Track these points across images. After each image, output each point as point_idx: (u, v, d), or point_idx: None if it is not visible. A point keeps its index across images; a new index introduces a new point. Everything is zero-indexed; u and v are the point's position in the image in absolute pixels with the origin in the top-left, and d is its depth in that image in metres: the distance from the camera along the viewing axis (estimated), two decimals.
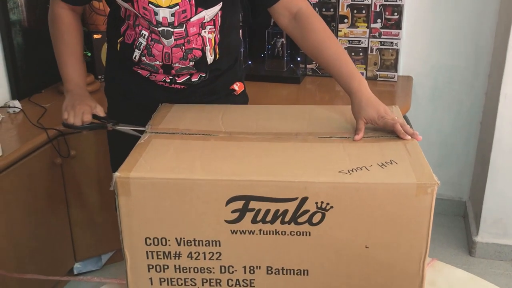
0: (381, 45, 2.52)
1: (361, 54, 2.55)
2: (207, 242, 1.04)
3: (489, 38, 2.48)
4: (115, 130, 1.35)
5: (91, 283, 1.47)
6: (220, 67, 1.47)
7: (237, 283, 1.08)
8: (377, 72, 2.56)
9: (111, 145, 1.62)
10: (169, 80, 1.43)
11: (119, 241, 1.06)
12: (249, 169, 1.05)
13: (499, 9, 2.41)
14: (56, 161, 2.02)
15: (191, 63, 1.39)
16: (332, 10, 2.53)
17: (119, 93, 1.53)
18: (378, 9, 2.47)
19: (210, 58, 1.41)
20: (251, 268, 1.06)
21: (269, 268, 1.06)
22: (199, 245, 1.04)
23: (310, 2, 1.42)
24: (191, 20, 1.32)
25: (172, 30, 1.32)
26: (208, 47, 1.39)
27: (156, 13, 1.29)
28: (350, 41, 2.54)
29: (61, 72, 1.46)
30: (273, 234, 1.02)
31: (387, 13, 2.46)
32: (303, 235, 1.02)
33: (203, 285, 1.08)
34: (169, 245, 1.05)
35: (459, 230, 2.70)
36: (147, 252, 1.06)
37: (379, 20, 2.48)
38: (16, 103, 2.21)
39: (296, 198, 0.99)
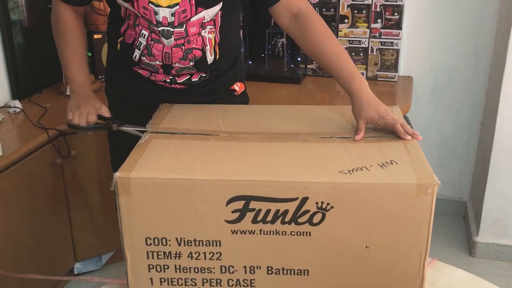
0: (381, 45, 2.52)
1: (361, 54, 2.55)
2: (208, 242, 1.04)
3: (489, 38, 2.48)
4: (116, 130, 1.35)
5: (92, 283, 1.47)
6: (220, 67, 1.47)
7: (238, 283, 1.08)
8: (378, 72, 2.56)
9: (111, 145, 1.62)
10: (169, 80, 1.43)
11: (120, 241, 1.06)
12: (250, 169, 1.05)
13: (500, 9, 2.41)
14: (57, 161, 2.02)
15: (191, 63, 1.39)
16: (332, 10, 2.53)
17: (119, 93, 1.53)
18: (378, 9, 2.47)
19: (210, 58, 1.41)
20: (252, 268, 1.06)
21: (270, 268, 1.06)
22: (199, 245, 1.04)
23: (310, 2, 1.42)
24: (191, 20, 1.32)
25: (172, 30, 1.32)
26: (208, 47, 1.39)
27: (156, 13, 1.29)
28: (351, 41, 2.54)
29: (66, 73, 1.46)
30: (273, 234, 1.02)
31: (387, 13, 2.46)
32: (303, 235, 1.02)
33: (203, 285, 1.08)
34: (170, 245, 1.05)
35: (459, 230, 2.70)
36: (147, 252, 1.06)
37: (379, 20, 2.48)
38: (17, 103, 2.21)
39: (296, 198, 0.99)
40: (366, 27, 2.51)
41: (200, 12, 1.32)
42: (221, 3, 1.34)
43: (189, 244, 1.04)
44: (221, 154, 1.11)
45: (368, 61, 2.55)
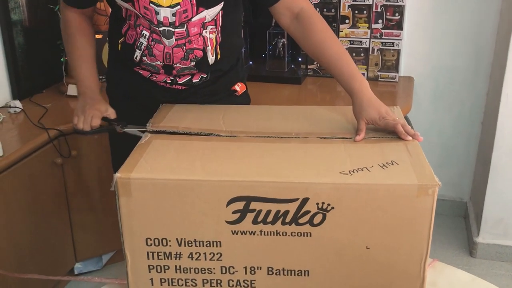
0: (382, 46, 2.52)
1: (362, 54, 2.54)
2: (208, 242, 1.04)
3: (490, 38, 2.48)
4: (121, 132, 1.35)
5: (92, 283, 1.47)
6: (222, 68, 1.47)
7: (238, 283, 1.07)
8: (378, 73, 2.56)
9: (112, 146, 1.62)
10: (170, 81, 1.43)
11: (120, 242, 1.06)
12: (250, 169, 1.04)
13: (500, 10, 2.41)
14: (57, 161, 2.02)
15: (192, 63, 1.39)
16: (333, 10, 2.52)
17: (120, 93, 1.53)
18: (379, 10, 2.47)
19: (211, 59, 1.41)
20: (252, 268, 1.06)
21: (270, 269, 1.06)
22: (199, 246, 1.04)
23: (311, 2, 1.42)
24: (192, 20, 1.32)
25: (173, 30, 1.32)
26: (209, 47, 1.39)
27: (157, 13, 1.29)
28: (351, 42, 2.54)
29: (74, 75, 1.46)
30: (274, 234, 1.02)
31: (388, 13, 2.46)
32: (304, 236, 1.02)
33: (203, 285, 1.08)
34: (170, 245, 1.05)
35: (460, 231, 2.70)
36: (147, 252, 1.06)
37: (380, 21, 2.48)
38: (17, 103, 2.21)
39: (297, 199, 0.99)
40: (367, 28, 2.50)
41: (201, 12, 1.32)
42: (222, 3, 1.34)
43: (190, 244, 1.04)
44: (222, 154, 1.11)
45: (369, 61, 2.55)
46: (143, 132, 1.23)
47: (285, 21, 1.39)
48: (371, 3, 2.46)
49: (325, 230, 1.01)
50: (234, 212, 1.01)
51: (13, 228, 1.88)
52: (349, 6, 2.50)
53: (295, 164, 1.06)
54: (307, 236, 1.02)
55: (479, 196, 2.52)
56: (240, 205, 1.00)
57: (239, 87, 1.54)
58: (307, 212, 1.00)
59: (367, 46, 2.53)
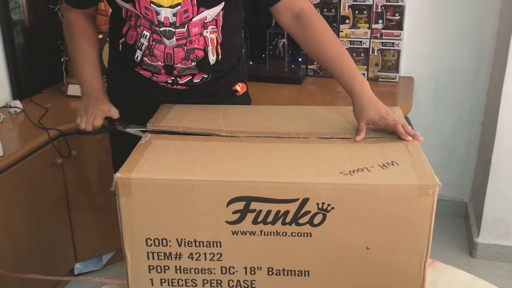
0: (382, 46, 2.51)
1: (362, 55, 2.54)
2: (208, 243, 1.04)
3: (491, 38, 2.48)
4: (121, 131, 1.35)
5: (92, 284, 1.47)
6: (223, 68, 1.47)
7: (238, 284, 1.07)
8: (379, 73, 2.56)
9: (113, 146, 1.62)
10: (171, 81, 1.43)
11: (120, 242, 1.06)
12: (250, 170, 1.04)
13: (501, 10, 2.41)
14: (57, 161, 2.02)
15: (193, 64, 1.39)
16: (333, 10, 2.52)
17: (120, 93, 1.53)
18: (379, 10, 2.47)
19: (212, 59, 1.40)
20: (252, 269, 1.06)
21: (270, 269, 1.06)
22: (200, 246, 1.04)
23: (311, 3, 1.42)
24: (193, 20, 1.32)
25: (174, 30, 1.32)
26: (210, 47, 1.39)
27: (158, 13, 1.29)
28: (352, 42, 2.54)
29: (77, 75, 1.46)
30: (274, 235, 1.02)
31: (388, 13, 2.46)
32: (304, 236, 1.01)
33: (203, 286, 1.08)
34: (170, 245, 1.05)
35: (460, 231, 2.70)
36: (147, 252, 1.05)
37: (380, 21, 2.48)
38: (17, 103, 2.21)
39: (297, 199, 0.99)
40: (367, 28, 2.50)
41: (202, 12, 1.32)
42: (223, 3, 1.34)
43: (190, 245, 1.04)
44: (222, 154, 1.11)
45: (369, 61, 2.55)
46: (144, 132, 1.23)
47: (285, 21, 1.39)
48: (371, 3, 2.46)
49: (325, 230, 1.01)
50: (234, 212, 1.01)
51: (13, 228, 1.88)
52: (349, 6, 2.50)
53: (295, 164, 1.06)
54: (307, 236, 1.02)
55: (480, 197, 2.52)
56: (240, 205, 1.00)
57: (240, 87, 1.54)
58: (307, 212, 1.00)
59: (367, 46, 2.53)
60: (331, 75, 1.34)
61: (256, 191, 0.99)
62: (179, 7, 1.29)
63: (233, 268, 1.06)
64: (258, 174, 1.02)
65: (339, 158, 1.08)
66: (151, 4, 1.28)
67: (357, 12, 2.50)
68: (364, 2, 2.47)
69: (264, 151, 1.12)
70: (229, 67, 1.49)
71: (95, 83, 1.42)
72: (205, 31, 1.36)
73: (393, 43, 2.50)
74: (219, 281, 1.07)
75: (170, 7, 1.29)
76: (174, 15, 1.30)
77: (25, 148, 1.89)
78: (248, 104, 1.59)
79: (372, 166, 1.03)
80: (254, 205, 1.00)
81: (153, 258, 1.06)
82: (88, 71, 1.43)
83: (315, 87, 2.54)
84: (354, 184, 0.98)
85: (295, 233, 1.01)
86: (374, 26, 2.49)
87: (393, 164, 1.04)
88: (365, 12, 2.49)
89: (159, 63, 1.38)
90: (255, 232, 1.02)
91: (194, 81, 1.44)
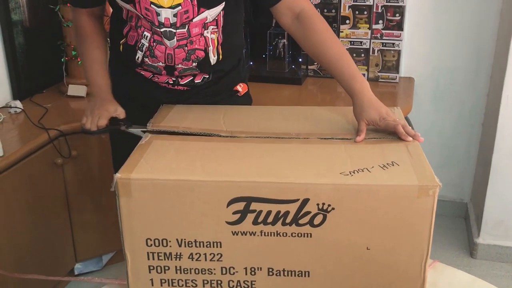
0: (382, 46, 2.51)
1: (362, 55, 2.54)
2: (208, 243, 1.04)
3: (491, 39, 2.48)
4: (123, 131, 1.35)
5: (92, 284, 1.47)
6: (224, 68, 1.47)
7: (238, 284, 1.07)
8: (379, 73, 2.56)
9: (113, 146, 1.61)
10: (172, 82, 1.43)
11: (120, 242, 1.06)
12: (251, 170, 1.04)
13: (501, 10, 2.41)
14: (57, 161, 2.02)
15: (194, 64, 1.39)
16: (333, 11, 2.52)
17: (121, 94, 1.52)
18: (380, 10, 2.47)
19: (213, 59, 1.40)
20: (252, 269, 1.06)
21: (270, 270, 1.06)
22: (200, 246, 1.04)
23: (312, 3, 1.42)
24: (194, 20, 1.32)
25: (174, 31, 1.32)
26: (211, 48, 1.39)
27: (158, 14, 1.29)
28: (352, 42, 2.54)
29: (86, 76, 1.47)
30: (274, 235, 1.02)
31: (389, 14, 2.46)
32: (304, 236, 1.01)
33: (204, 286, 1.08)
34: (170, 246, 1.05)
35: (461, 232, 2.70)
36: (147, 253, 1.05)
37: (380, 21, 2.48)
38: (17, 103, 2.21)
39: (297, 200, 0.99)
40: (368, 28, 2.50)
41: (202, 12, 1.32)
42: (224, 3, 1.34)
43: (190, 245, 1.04)
44: (222, 155, 1.11)
45: (369, 62, 2.55)
46: (144, 132, 1.23)
47: (286, 21, 1.39)
48: (371, 3, 2.46)
49: (325, 230, 1.01)
50: (234, 213, 1.01)
51: (13, 228, 1.88)
52: (349, 7, 2.50)
53: (295, 164, 1.06)
54: (307, 236, 1.01)
55: (480, 197, 2.52)
56: (240, 205, 1.00)
57: (241, 88, 1.54)
58: (308, 212, 1.00)
59: (368, 47, 2.53)
60: (331, 75, 1.34)
61: (257, 192, 0.99)
62: (180, 7, 1.29)
63: (233, 268, 1.06)
64: (259, 175, 1.02)
65: (339, 159, 1.08)
66: (152, 5, 1.28)
67: (357, 12, 2.50)
68: (365, 2, 2.47)
69: (264, 152, 1.12)
70: (230, 67, 1.49)
71: (103, 83, 1.43)
72: (205, 31, 1.36)
73: (393, 44, 2.50)
74: (219, 282, 1.07)
75: (170, 7, 1.29)
76: (175, 15, 1.30)
77: (25, 148, 1.90)
78: (249, 104, 1.59)
79: (373, 167, 1.03)
80: (254, 206, 1.00)
81: (153, 259, 1.06)
82: (94, 72, 1.43)
83: (315, 88, 2.54)
84: (355, 185, 0.98)
85: (295, 233, 1.01)
86: (374, 26, 2.49)
87: (393, 165, 1.04)
88: (365, 12, 2.49)
89: (160, 63, 1.38)
90: (255, 232, 1.02)
91: (195, 81, 1.44)
